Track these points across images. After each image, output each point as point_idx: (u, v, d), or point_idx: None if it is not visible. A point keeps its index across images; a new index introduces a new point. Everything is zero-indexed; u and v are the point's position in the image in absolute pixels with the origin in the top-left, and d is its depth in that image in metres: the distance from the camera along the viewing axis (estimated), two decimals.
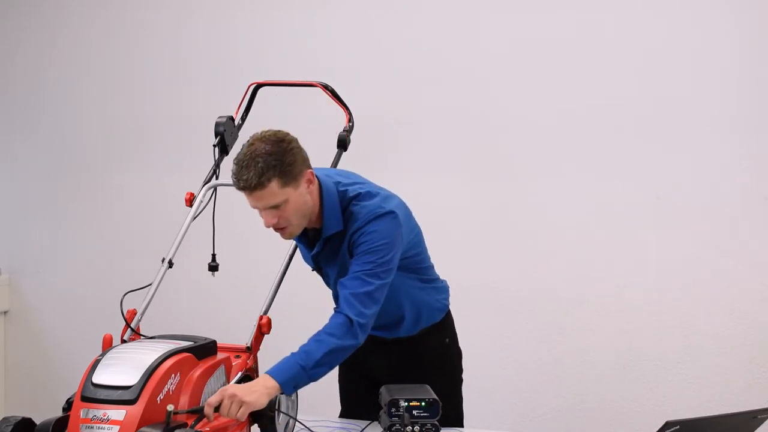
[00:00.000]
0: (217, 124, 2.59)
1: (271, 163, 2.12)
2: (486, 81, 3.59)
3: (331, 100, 2.69)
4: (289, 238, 2.30)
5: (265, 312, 2.30)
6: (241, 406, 2.01)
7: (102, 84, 4.22)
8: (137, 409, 1.88)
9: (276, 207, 2.16)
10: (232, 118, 2.64)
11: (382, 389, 2.29)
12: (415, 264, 2.44)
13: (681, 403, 3.33)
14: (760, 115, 3.27)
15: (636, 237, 3.41)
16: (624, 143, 3.42)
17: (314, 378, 2.14)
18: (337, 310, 2.22)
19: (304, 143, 2.25)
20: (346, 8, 3.79)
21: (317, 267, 2.43)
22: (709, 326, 3.33)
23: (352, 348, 2.18)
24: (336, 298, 2.43)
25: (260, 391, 2.06)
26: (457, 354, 2.60)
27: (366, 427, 2.38)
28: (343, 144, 2.63)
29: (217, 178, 2.60)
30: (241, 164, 2.13)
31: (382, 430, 2.20)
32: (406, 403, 2.18)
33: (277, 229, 2.22)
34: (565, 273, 3.49)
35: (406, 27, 3.69)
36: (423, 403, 2.18)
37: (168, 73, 4.08)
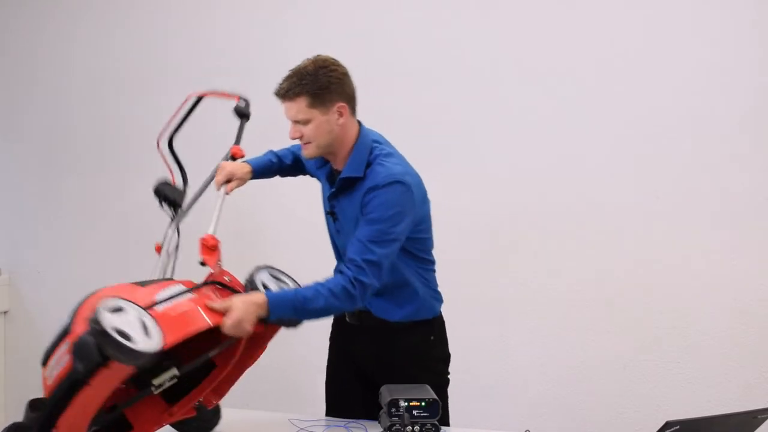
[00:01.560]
0: (159, 191, 2.49)
1: (304, 81, 2.29)
2: (485, 80, 3.58)
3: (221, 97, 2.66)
4: (308, 157, 2.43)
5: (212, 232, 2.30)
6: (238, 327, 2.13)
7: (103, 84, 4.22)
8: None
9: (299, 122, 2.33)
10: (167, 182, 2.53)
11: (383, 389, 2.29)
12: (419, 251, 2.48)
13: (681, 403, 3.34)
14: (760, 114, 3.27)
15: (636, 237, 3.41)
16: (623, 143, 3.42)
17: (301, 321, 2.30)
18: (342, 269, 2.29)
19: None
20: (333, 9, 3.80)
21: (331, 211, 2.48)
22: (709, 326, 3.33)
23: (348, 310, 2.35)
24: (336, 251, 2.54)
25: (251, 321, 2.15)
26: (442, 356, 2.59)
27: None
28: (243, 114, 2.63)
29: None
30: (288, 74, 2.33)
31: (382, 430, 2.21)
32: (406, 403, 2.18)
33: (300, 143, 2.38)
34: (564, 273, 3.49)
35: (404, 25, 3.70)
36: (423, 403, 2.19)
37: (169, 75, 4.08)
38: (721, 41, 3.31)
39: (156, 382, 2.06)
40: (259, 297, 2.19)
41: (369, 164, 2.37)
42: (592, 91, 3.44)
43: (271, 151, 2.71)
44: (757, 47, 3.27)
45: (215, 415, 2.40)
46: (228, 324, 2.11)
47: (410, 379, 2.39)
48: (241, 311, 2.13)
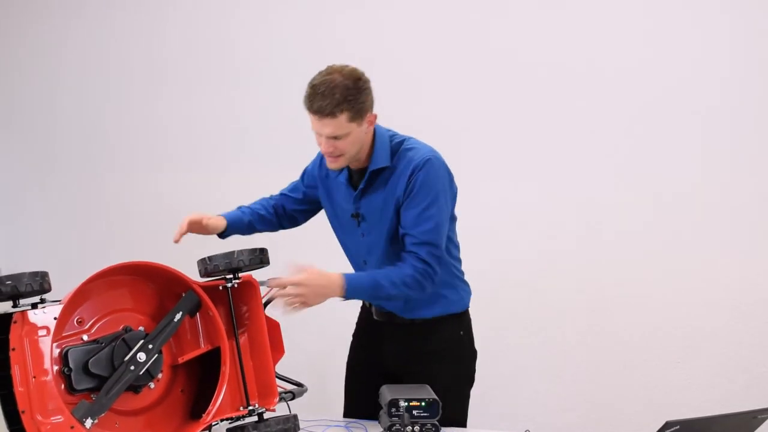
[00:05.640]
0: None
1: (348, 97, 2.22)
2: (485, 79, 3.59)
3: None
4: (336, 169, 2.40)
5: None
6: (302, 301, 2.23)
7: (104, 85, 4.22)
8: None
9: (337, 137, 2.27)
10: None
11: (383, 389, 2.29)
12: (450, 236, 2.47)
13: (681, 403, 3.34)
14: (760, 114, 3.27)
15: (636, 237, 3.41)
16: (622, 143, 3.42)
17: (375, 303, 2.48)
18: (407, 258, 2.32)
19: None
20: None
21: (356, 213, 2.44)
22: (709, 326, 3.33)
23: (415, 296, 2.36)
24: (353, 256, 2.53)
25: (326, 296, 2.26)
26: (470, 353, 2.59)
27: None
28: None
29: None
30: (317, 90, 2.23)
31: (382, 430, 2.20)
32: (406, 403, 2.18)
33: (330, 157, 2.33)
34: (565, 273, 3.50)
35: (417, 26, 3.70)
36: (423, 403, 2.19)
37: (170, 76, 4.09)
38: (723, 41, 3.30)
39: (127, 357, 2.09)
40: (334, 291, 2.26)
41: (393, 153, 2.37)
42: (591, 90, 3.45)
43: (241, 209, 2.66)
44: (760, 46, 3.27)
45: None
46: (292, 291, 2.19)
47: (438, 376, 2.38)
48: (312, 283, 2.22)
